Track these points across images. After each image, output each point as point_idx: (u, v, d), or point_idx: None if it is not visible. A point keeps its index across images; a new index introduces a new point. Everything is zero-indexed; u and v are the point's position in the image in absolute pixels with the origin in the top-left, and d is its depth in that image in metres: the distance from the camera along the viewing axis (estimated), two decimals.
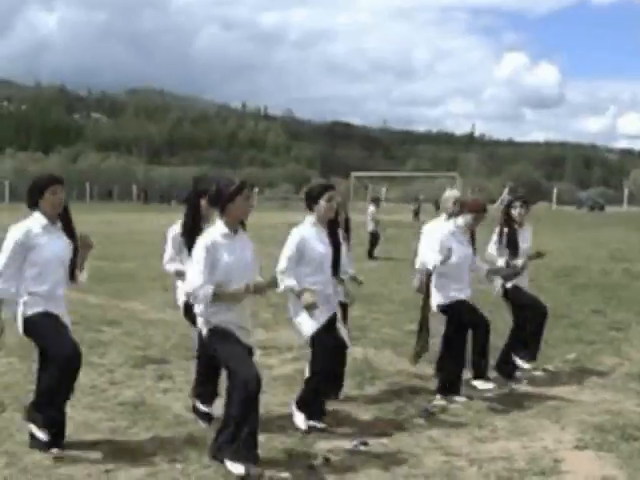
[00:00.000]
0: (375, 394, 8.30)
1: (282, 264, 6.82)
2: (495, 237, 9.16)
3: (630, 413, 7.68)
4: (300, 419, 7.00)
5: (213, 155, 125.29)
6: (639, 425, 7.23)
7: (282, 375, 8.83)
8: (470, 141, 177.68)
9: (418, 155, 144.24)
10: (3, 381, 8.52)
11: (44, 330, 6.19)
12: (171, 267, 7.59)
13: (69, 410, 7.28)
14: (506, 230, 9.15)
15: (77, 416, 7.25)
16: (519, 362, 9.15)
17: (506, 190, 67.80)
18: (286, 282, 6.72)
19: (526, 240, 9.32)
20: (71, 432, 6.75)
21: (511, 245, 9.10)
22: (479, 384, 8.14)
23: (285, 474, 5.86)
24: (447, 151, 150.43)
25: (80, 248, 6.42)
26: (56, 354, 6.10)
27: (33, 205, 6.28)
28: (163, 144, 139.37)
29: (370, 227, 24.70)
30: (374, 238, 24.56)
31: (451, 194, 8.86)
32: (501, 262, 9.03)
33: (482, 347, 8.07)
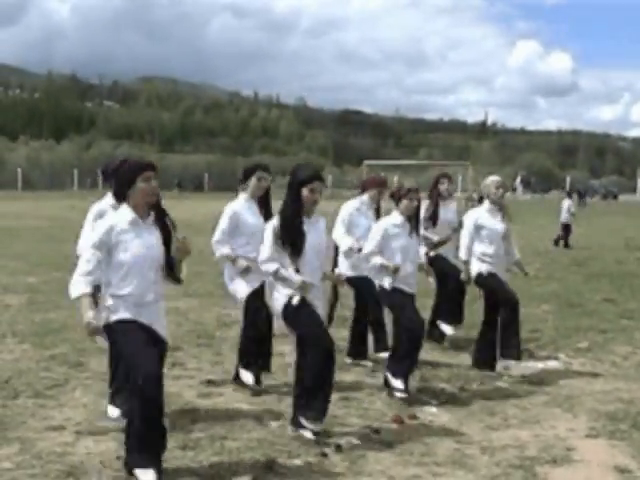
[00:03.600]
0: None
1: (217, 235, 7.65)
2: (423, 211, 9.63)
3: None
4: (246, 376, 7.75)
5: (225, 143, 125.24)
6: None
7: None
8: (482, 129, 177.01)
9: (430, 143, 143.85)
10: (17, 368, 8.54)
11: (125, 345, 5.40)
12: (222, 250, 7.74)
13: (81, 396, 7.34)
14: (431, 204, 10.02)
15: (89, 403, 7.28)
16: (443, 327, 9.94)
17: (518, 179, 67.71)
18: (221, 250, 7.62)
19: (449, 213, 10.13)
20: (83, 418, 6.79)
21: (432, 217, 9.94)
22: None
23: (297, 461, 5.87)
24: (459, 139, 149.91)
25: (177, 252, 5.61)
26: (134, 378, 5.30)
27: (121, 196, 5.55)
28: (175, 132, 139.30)
29: None
30: None
31: (493, 179, 8.91)
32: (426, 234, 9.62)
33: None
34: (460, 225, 9.42)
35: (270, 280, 6.53)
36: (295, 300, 6.29)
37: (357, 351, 9.08)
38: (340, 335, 9.24)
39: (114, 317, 5.39)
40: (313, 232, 6.40)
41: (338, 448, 6.15)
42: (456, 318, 10.07)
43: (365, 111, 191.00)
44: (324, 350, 6.27)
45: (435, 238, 9.77)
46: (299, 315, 6.34)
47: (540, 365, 9.15)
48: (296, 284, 6.25)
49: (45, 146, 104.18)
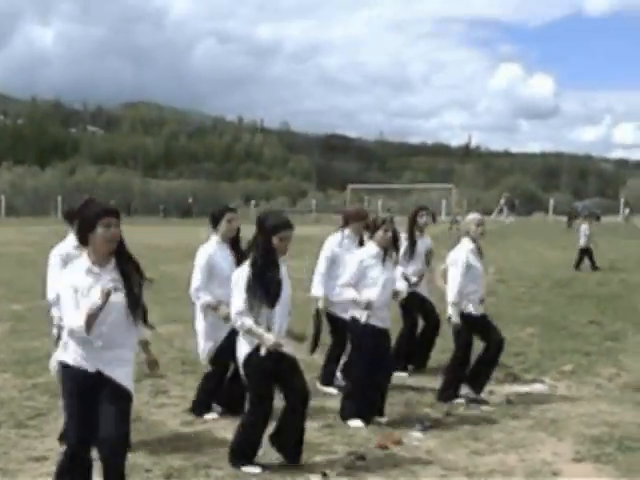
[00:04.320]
0: None
1: (195, 283, 7.71)
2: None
3: (627, 425, 7.66)
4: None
5: (209, 168, 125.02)
6: (637, 437, 7.22)
7: None
8: (466, 152, 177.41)
9: (414, 167, 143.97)
10: None
11: (66, 396, 5.35)
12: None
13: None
14: (409, 236, 10.02)
15: None
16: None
17: (502, 201, 67.85)
18: (203, 298, 7.67)
19: (425, 247, 10.16)
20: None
21: (410, 250, 9.95)
22: None
23: None
24: (443, 163, 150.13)
25: (147, 365, 5.65)
26: (66, 437, 5.40)
27: (83, 241, 5.35)
28: (159, 157, 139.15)
29: None
30: None
31: (474, 217, 8.95)
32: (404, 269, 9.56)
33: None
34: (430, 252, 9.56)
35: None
36: (262, 352, 6.17)
37: (328, 379, 9.09)
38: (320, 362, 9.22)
39: (63, 357, 5.30)
40: (281, 280, 6.35)
41: (324, 476, 6.12)
42: (421, 361, 10.11)
43: (349, 135, 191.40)
44: (265, 416, 6.33)
45: (413, 279, 9.66)
46: (258, 373, 6.25)
47: (525, 388, 9.15)
48: (267, 343, 6.13)
49: (29, 172, 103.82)
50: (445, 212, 60.61)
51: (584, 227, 24.66)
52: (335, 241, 8.98)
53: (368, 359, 7.64)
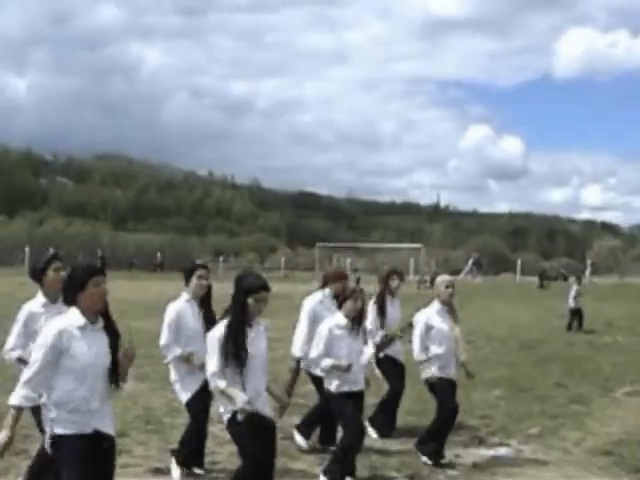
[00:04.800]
0: None
1: (164, 339, 7.75)
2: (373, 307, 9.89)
3: None
4: (176, 472, 7.80)
5: (179, 223, 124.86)
6: None
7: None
8: (435, 212, 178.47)
9: (383, 225, 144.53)
10: None
11: (70, 466, 5.22)
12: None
13: None
14: (379, 300, 10.00)
15: None
16: (372, 432, 9.62)
17: (471, 261, 68.16)
18: (174, 352, 7.68)
19: (396, 310, 10.13)
20: None
21: (381, 314, 9.88)
22: None
23: None
24: (412, 222, 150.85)
25: (123, 359, 5.46)
26: None
27: (70, 300, 5.35)
28: (129, 210, 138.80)
29: None
30: None
31: (443, 279, 9.01)
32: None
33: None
34: (408, 326, 9.54)
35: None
36: (240, 417, 6.14)
37: (307, 432, 9.04)
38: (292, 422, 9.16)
39: (58, 430, 5.21)
40: (256, 340, 6.32)
41: None
42: (389, 427, 9.96)
43: (319, 193, 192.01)
44: (257, 467, 6.26)
45: (380, 338, 9.71)
46: (241, 431, 6.22)
47: (491, 452, 9.13)
48: (239, 404, 6.08)
49: None
50: (413, 271, 60.72)
51: (575, 288, 24.82)
52: (315, 300, 9.01)
53: (358, 424, 7.68)
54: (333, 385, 7.67)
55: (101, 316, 5.38)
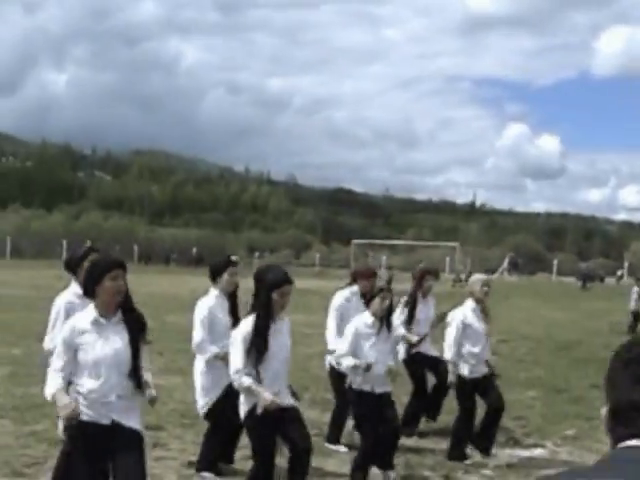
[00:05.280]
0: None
1: (198, 337, 7.56)
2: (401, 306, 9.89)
3: None
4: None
5: (215, 218, 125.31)
6: None
7: None
8: (471, 210, 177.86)
9: (419, 223, 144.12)
10: None
11: (77, 450, 5.46)
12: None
13: None
14: (409, 300, 9.96)
15: None
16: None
17: (506, 260, 67.84)
18: (210, 350, 7.50)
19: (429, 310, 10.05)
20: None
21: (411, 314, 9.81)
22: None
23: None
24: (448, 220, 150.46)
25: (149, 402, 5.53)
26: None
27: (89, 293, 5.44)
28: (165, 205, 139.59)
29: None
30: None
31: (479, 277, 9.00)
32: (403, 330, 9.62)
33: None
34: (439, 319, 9.52)
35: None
36: (260, 408, 6.12)
37: (335, 437, 9.02)
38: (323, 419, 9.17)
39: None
40: (279, 336, 6.29)
41: None
42: (432, 414, 10.11)
43: (355, 190, 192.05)
44: (269, 469, 6.28)
45: (414, 338, 9.68)
46: (259, 426, 6.21)
47: (526, 453, 9.07)
48: (264, 402, 6.06)
49: (35, 215, 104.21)
50: (449, 270, 60.53)
51: (635, 290, 24.62)
52: (342, 297, 8.99)
53: (372, 425, 7.54)
54: (355, 382, 7.58)
55: (122, 310, 5.40)
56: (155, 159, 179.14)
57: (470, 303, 8.75)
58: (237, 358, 6.18)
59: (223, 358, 7.49)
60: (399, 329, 9.36)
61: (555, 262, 69.87)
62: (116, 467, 5.29)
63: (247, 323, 6.26)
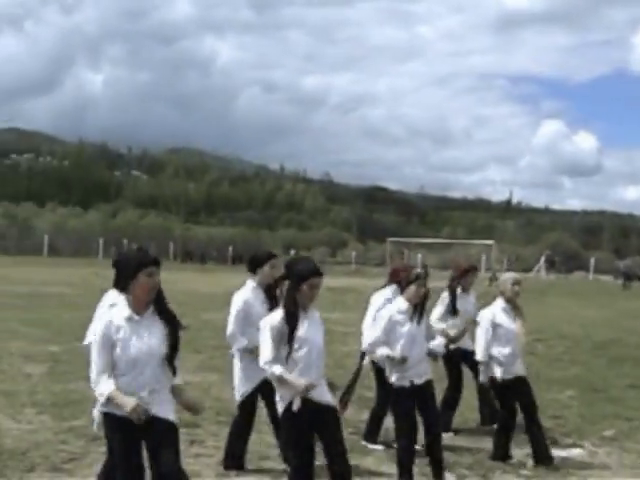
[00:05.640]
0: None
1: (231, 329, 7.61)
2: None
3: None
4: None
5: (250, 216, 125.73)
6: None
7: None
8: (507, 208, 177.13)
9: (454, 222, 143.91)
10: (34, 439, 8.48)
11: (116, 444, 5.45)
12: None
13: (94, 471, 7.25)
14: (450, 292, 9.90)
15: None
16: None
17: (543, 258, 67.45)
18: (240, 342, 7.56)
19: (468, 305, 9.97)
20: None
21: (452, 308, 9.81)
22: None
23: None
24: (483, 218, 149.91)
25: (191, 409, 5.62)
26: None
27: (122, 287, 5.50)
28: (201, 203, 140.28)
29: None
30: None
31: (510, 276, 8.89)
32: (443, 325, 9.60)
33: None
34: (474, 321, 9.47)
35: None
36: (295, 406, 6.07)
37: (373, 435, 9.01)
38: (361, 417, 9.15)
39: (108, 408, 5.36)
40: (311, 326, 6.22)
41: None
42: (486, 417, 10.04)
43: (390, 188, 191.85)
44: (307, 469, 6.24)
45: (453, 332, 9.59)
46: (293, 427, 6.17)
47: (564, 453, 8.97)
48: (298, 389, 6.02)
49: (72, 213, 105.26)
50: (484, 268, 60.23)
51: None
52: (383, 297, 8.93)
53: (411, 423, 7.45)
54: (393, 377, 7.46)
55: (155, 305, 5.44)
56: (190, 157, 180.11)
57: (500, 302, 8.59)
58: (267, 349, 6.12)
59: (252, 352, 7.41)
60: (438, 324, 9.35)
61: (592, 260, 69.33)
62: (153, 458, 5.34)
63: (276, 314, 6.23)
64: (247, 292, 7.82)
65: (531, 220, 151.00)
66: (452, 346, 9.59)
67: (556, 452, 8.94)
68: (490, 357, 8.44)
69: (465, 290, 10.05)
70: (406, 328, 7.38)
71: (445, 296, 9.89)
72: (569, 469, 8.31)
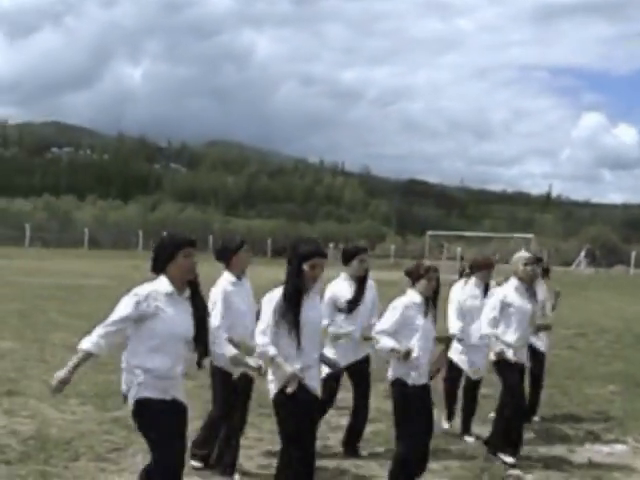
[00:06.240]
0: (449, 459, 8.16)
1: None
2: None
3: None
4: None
5: (289, 209, 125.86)
6: None
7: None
8: (547, 202, 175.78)
9: (494, 215, 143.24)
10: (78, 429, 8.58)
11: (157, 428, 5.45)
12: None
13: (142, 462, 7.32)
14: None
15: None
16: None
17: (583, 252, 66.91)
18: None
19: (541, 293, 9.76)
20: None
21: None
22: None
23: None
24: (523, 211, 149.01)
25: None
26: (159, 465, 5.47)
27: (159, 268, 5.54)
28: (240, 196, 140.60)
29: None
30: None
31: (522, 255, 8.70)
32: None
33: None
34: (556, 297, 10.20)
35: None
36: (289, 390, 6.00)
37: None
38: None
39: (145, 394, 5.41)
40: (312, 309, 6.17)
41: None
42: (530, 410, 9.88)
43: (429, 181, 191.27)
44: (305, 454, 6.11)
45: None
46: (288, 409, 6.09)
47: (607, 449, 8.91)
48: (288, 376, 5.97)
49: (112, 206, 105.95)
50: None
51: None
52: (460, 289, 9.18)
53: (415, 422, 6.99)
54: (410, 376, 6.96)
55: (189, 287, 5.52)
56: (229, 151, 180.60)
57: (513, 281, 8.34)
58: (264, 325, 6.09)
59: (339, 337, 8.03)
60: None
61: (633, 254, 68.58)
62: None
63: (276, 293, 6.15)
64: (339, 282, 8.29)
65: (571, 214, 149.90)
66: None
67: (598, 447, 8.91)
68: (497, 337, 8.20)
69: (530, 282, 9.94)
70: (421, 322, 7.08)
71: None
72: (612, 464, 8.25)
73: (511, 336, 8.20)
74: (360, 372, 8.35)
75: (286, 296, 6.07)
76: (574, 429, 9.62)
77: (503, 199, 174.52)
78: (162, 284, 5.45)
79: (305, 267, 6.07)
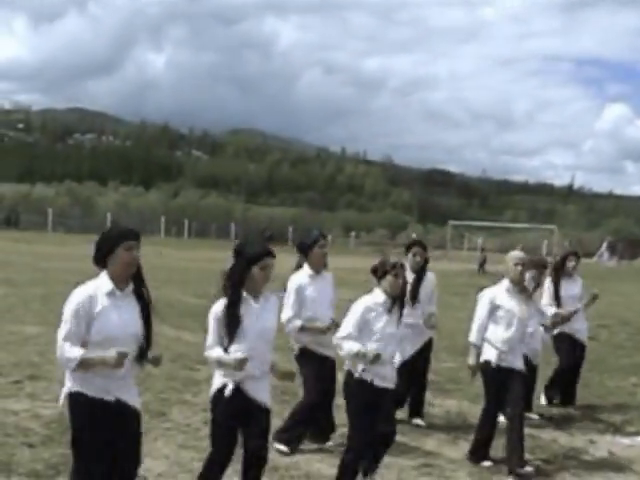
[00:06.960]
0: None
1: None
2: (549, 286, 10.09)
3: None
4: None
5: (311, 197, 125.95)
6: None
7: None
8: (569, 193, 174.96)
9: (516, 205, 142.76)
10: None
11: (86, 434, 5.09)
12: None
13: (162, 447, 7.37)
14: (554, 280, 10.14)
15: (170, 454, 7.30)
16: (542, 399, 10.28)
17: (605, 244, 66.55)
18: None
19: (574, 289, 10.20)
20: (163, 470, 6.80)
21: (555, 294, 10.05)
22: None
23: None
24: (545, 202, 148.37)
25: (152, 361, 5.27)
26: (79, 476, 5.15)
27: (100, 262, 5.19)
28: (262, 184, 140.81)
29: None
30: None
31: (513, 255, 8.03)
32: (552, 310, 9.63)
33: None
34: (592, 299, 10.17)
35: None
36: (227, 391, 5.76)
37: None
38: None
39: (77, 388, 5.08)
40: (262, 314, 5.85)
41: None
42: (567, 398, 10.34)
43: (451, 171, 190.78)
44: (220, 462, 5.91)
45: (564, 311, 9.79)
46: (222, 413, 5.83)
47: (627, 441, 8.87)
48: (232, 363, 5.63)
49: (134, 192, 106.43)
50: (546, 253, 59.64)
51: None
52: (496, 289, 8.76)
53: (367, 420, 6.60)
54: (357, 369, 6.57)
55: (133, 281, 5.20)
56: (251, 139, 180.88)
57: (505, 283, 7.87)
58: (209, 335, 5.83)
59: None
60: (548, 309, 9.37)
61: None
62: (116, 451, 5.14)
63: (222, 302, 5.83)
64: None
65: (593, 205, 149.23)
66: (556, 331, 10.02)
67: (618, 439, 8.88)
68: (484, 339, 7.77)
69: (570, 276, 10.24)
70: (381, 324, 6.58)
71: (549, 284, 10.06)
72: (632, 457, 8.22)
73: (499, 339, 7.71)
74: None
75: (229, 304, 5.78)
76: (595, 421, 9.59)
77: (525, 190, 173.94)
78: (102, 282, 5.13)
79: (255, 270, 5.79)
